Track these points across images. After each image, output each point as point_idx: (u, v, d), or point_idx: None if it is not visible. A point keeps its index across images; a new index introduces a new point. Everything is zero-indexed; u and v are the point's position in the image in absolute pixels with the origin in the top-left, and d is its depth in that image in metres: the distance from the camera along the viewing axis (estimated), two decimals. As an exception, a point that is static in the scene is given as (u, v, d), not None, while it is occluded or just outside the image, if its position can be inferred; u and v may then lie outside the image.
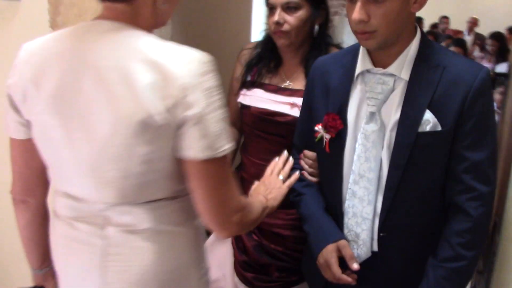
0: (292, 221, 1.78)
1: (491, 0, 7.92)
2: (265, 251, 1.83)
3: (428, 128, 1.26)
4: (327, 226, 1.43)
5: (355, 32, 1.26)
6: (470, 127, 1.25)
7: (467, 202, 1.27)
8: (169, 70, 0.95)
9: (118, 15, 1.02)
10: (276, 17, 1.65)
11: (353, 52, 1.40)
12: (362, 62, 1.36)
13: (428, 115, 1.26)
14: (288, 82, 1.77)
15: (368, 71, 1.35)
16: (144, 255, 1.09)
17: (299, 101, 1.66)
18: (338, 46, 1.78)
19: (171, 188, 1.09)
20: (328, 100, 1.41)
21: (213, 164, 1.01)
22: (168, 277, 1.12)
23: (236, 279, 1.87)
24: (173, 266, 1.13)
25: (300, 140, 1.58)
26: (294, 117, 1.68)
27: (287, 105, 1.72)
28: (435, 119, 1.26)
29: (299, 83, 1.74)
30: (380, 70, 1.32)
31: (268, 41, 1.79)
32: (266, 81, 1.80)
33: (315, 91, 1.47)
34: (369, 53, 1.35)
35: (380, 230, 1.35)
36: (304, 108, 1.56)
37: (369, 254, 1.38)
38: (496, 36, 6.25)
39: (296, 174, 1.51)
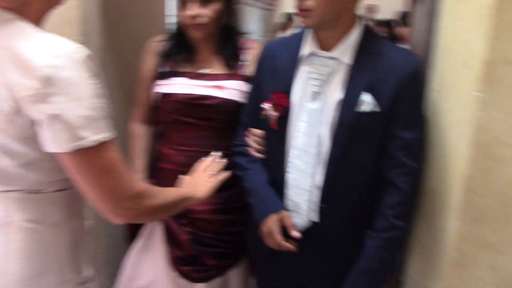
0: (222, 205, 1.85)
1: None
2: (199, 241, 1.85)
3: (367, 108, 1.38)
4: (270, 198, 1.54)
5: (296, 8, 1.37)
6: (404, 109, 1.38)
7: (398, 177, 1.40)
8: (31, 61, 0.95)
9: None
10: (192, 11, 1.71)
11: (300, 36, 1.51)
12: (309, 45, 1.47)
13: (368, 97, 1.38)
14: (205, 69, 1.84)
15: (313, 54, 1.45)
16: None
17: (224, 83, 1.78)
18: (247, 34, 1.92)
19: (30, 179, 1.06)
20: (275, 81, 1.51)
21: (85, 155, 1.00)
22: (31, 278, 1.10)
23: (173, 274, 1.87)
24: (37, 268, 1.10)
25: (248, 119, 1.67)
26: (223, 99, 1.77)
27: (213, 88, 1.79)
28: (374, 101, 1.38)
29: (218, 69, 1.83)
30: (325, 53, 1.43)
31: (181, 33, 1.83)
32: (183, 70, 1.84)
33: (264, 72, 1.57)
34: (316, 37, 1.45)
35: (322, 201, 1.47)
36: (253, 89, 1.65)
37: (308, 223, 1.49)
38: (383, 23, 6.35)
39: (226, 173, 1.53)
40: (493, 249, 1.37)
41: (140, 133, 1.93)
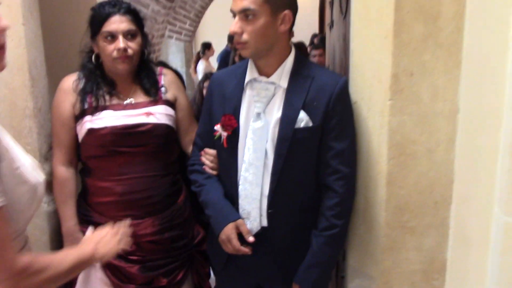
0: (165, 224, 1.95)
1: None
2: (149, 267, 1.92)
3: (302, 124, 1.59)
4: (226, 209, 1.70)
5: (235, 42, 1.59)
6: (334, 123, 1.59)
7: (335, 182, 1.61)
8: None
9: None
10: (121, 44, 1.79)
11: (244, 65, 1.70)
12: (250, 72, 1.66)
13: (302, 115, 1.58)
14: (129, 99, 1.91)
15: (255, 79, 1.65)
16: None
17: (151, 109, 1.90)
18: (164, 64, 2.08)
19: None
20: (224, 105, 1.69)
21: None
22: None
23: None
24: None
25: (201, 140, 1.83)
26: (154, 124, 1.89)
27: (143, 116, 1.88)
28: (308, 117, 1.59)
29: (140, 98, 1.93)
30: (264, 79, 1.64)
31: (96, 68, 1.89)
32: (109, 103, 1.88)
33: (213, 98, 1.75)
34: (255, 65, 1.65)
35: (269, 207, 1.65)
36: (204, 113, 1.81)
37: (259, 228, 1.68)
38: (298, 46, 6.94)
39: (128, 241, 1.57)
40: (416, 233, 1.61)
41: (66, 176, 1.91)
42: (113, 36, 1.80)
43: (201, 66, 8.33)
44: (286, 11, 1.56)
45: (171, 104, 1.98)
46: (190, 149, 1.96)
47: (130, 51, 1.81)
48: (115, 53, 1.80)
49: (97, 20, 1.82)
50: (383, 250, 1.63)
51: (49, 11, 1.96)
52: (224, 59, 6.91)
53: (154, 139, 1.89)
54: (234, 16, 1.56)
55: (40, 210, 1.87)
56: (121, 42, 1.79)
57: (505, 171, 1.44)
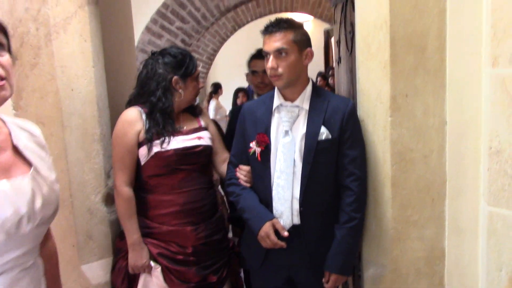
0: (212, 229, 2.28)
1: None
2: (203, 267, 2.24)
3: (324, 137, 1.97)
4: (262, 211, 2.03)
5: (270, 76, 1.98)
6: (348, 135, 1.97)
7: (351, 183, 1.98)
8: None
9: None
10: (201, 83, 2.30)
11: (270, 95, 2.11)
12: (277, 99, 2.05)
13: (323, 129, 1.97)
14: (180, 126, 2.26)
15: (281, 105, 2.03)
16: None
17: (199, 134, 2.28)
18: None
19: None
20: (256, 126, 2.06)
21: None
22: None
23: None
24: None
25: (236, 158, 2.19)
26: (204, 145, 2.26)
27: (196, 139, 2.25)
28: (327, 131, 1.97)
29: (189, 125, 2.30)
30: (289, 103, 2.02)
31: (161, 103, 2.19)
32: (170, 131, 2.18)
33: (246, 122, 2.12)
34: (281, 92, 2.04)
35: (300, 206, 1.99)
36: (238, 136, 2.19)
37: (290, 225, 2.01)
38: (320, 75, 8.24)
39: None
40: (418, 225, 1.95)
41: (131, 195, 2.18)
42: (197, 77, 2.31)
43: (212, 105, 8.80)
44: (308, 49, 2.00)
45: (206, 129, 2.36)
46: (222, 167, 2.33)
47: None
48: (197, 89, 2.30)
49: (194, 64, 2.27)
50: (392, 241, 1.97)
51: (110, 56, 2.38)
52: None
53: (203, 158, 2.27)
54: (266, 56, 1.97)
55: (104, 218, 2.23)
56: (199, 82, 2.32)
57: (486, 170, 1.79)
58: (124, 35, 2.89)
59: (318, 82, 9.12)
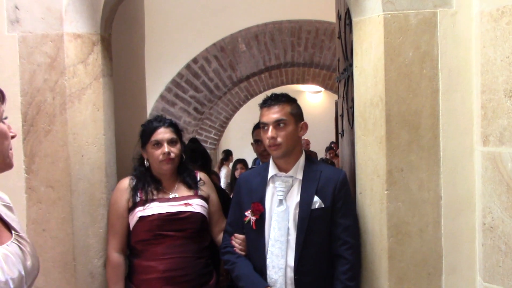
0: None
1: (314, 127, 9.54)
2: None
3: (317, 206, 2.04)
4: (256, 279, 2.07)
5: (268, 146, 2.08)
6: (340, 204, 2.05)
7: (345, 251, 2.02)
8: None
9: None
10: (166, 149, 2.23)
11: (265, 166, 2.22)
12: (272, 170, 2.15)
13: (316, 198, 2.04)
14: (172, 194, 2.30)
15: (276, 175, 2.13)
16: None
17: (189, 201, 2.28)
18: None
19: None
20: (251, 195, 2.14)
21: None
22: None
23: None
24: None
25: (231, 227, 2.25)
26: (192, 212, 2.27)
27: (182, 205, 2.26)
28: (320, 201, 2.04)
29: (182, 192, 2.32)
30: (283, 174, 2.12)
31: (146, 170, 2.30)
32: (156, 197, 2.27)
33: (242, 192, 2.21)
34: (276, 163, 2.13)
35: (295, 274, 2.02)
36: (234, 205, 2.26)
37: None
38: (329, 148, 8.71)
39: None
40: (415, 300, 1.95)
41: (119, 261, 2.25)
42: (159, 144, 2.24)
43: (223, 172, 8.91)
44: (303, 122, 2.15)
45: (205, 199, 2.36)
46: (219, 237, 2.35)
47: (172, 155, 2.24)
48: (161, 157, 2.23)
49: (147, 132, 2.27)
50: (389, 315, 1.96)
51: (120, 123, 2.50)
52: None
53: (191, 225, 2.25)
54: (264, 127, 2.07)
55: (105, 282, 2.26)
56: (166, 148, 2.23)
57: (482, 246, 1.82)
58: (137, 104, 3.04)
59: (328, 155, 9.36)
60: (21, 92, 2.10)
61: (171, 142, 2.27)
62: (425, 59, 1.92)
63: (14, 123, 2.06)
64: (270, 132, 2.04)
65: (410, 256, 1.94)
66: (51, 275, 2.13)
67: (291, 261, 2.03)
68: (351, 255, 2.02)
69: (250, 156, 7.91)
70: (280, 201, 2.08)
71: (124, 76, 2.78)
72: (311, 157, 2.23)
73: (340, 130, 3.11)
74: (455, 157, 1.90)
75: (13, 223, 1.36)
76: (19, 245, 1.31)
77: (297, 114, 2.11)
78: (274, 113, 2.05)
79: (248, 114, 10.11)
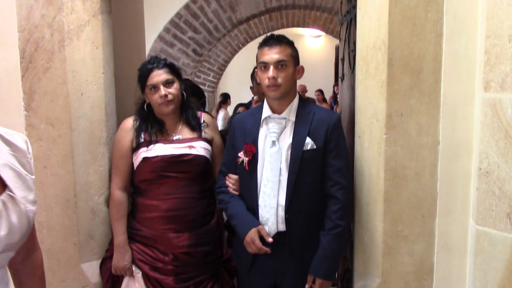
0: (199, 239, 2.30)
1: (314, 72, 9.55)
2: (183, 278, 2.27)
3: (309, 147, 2.05)
4: (248, 218, 2.11)
5: (268, 86, 2.04)
6: (332, 146, 2.06)
7: (336, 191, 2.05)
8: None
9: None
10: (162, 92, 2.20)
11: (259, 107, 2.20)
12: (265, 111, 2.14)
13: (308, 140, 2.06)
14: (176, 136, 2.31)
15: (269, 116, 2.13)
16: None
17: (193, 144, 2.30)
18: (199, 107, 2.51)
19: None
20: (245, 137, 2.15)
21: None
22: None
23: None
24: None
25: (225, 167, 2.27)
26: (195, 155, 2.29)
27: (186, 148, 2.28)
28: (312, 142, 2.05)
29: (186, 134, 2.33)
30: (277, 115, 2.12)
31: (148, 113, 2.30)
32: (160, 138, 2.29)
33: (236, 133, 2.21)
34: (269, 105, 2.13)
35: (286, 213, 2.06)
36: (228, 146, 2.27)
37: (275, 232, 2.07)
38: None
39: None
40: (408, 240, 2.00)
41: (122, 199, 2.29)
42: (155, 87, 2.22)
43: (221, 115, 8.90)
44: (301, 65, 2.15)
45: (209, 141, 2.38)
46: None
47: (170, 96, 2.22)
48: (159, 100, 2.22)
49: (143, 76, 2.24)
50: (382, 255, 2.02)
51: (119, 62, 2.48)
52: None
53: (193, 167, 2.29)
54: (265, 67, 2.05)
55: (106, 219, 2.32)
56: (162, 91, 2.20)
57: (476, 190, 1.85)
58: (135, 43, 2.99)
59: (316, 96, 9.30)
60: (18, 28, 2.06)
61: (167, 83, 2.24)
62: (430, 2, 1.88)
63: (12, 59, 2.04)
64: (272, 72, 2.02)
65: (405, 199, 1.98)
66: (53, 210, 2.17)
67: (283, 201, 2.06)
68: (343, 196, 2.04)
69: (247, 100, 7.89)
70: (273, 142, 2.10)
71: (123, 14, 2.72)
72: (303, 98, 2.24)
73: (340, 74, 3.09)
74: (456, 102, 1.90)
75: (13, 181, 1.27)
76: (1, 207, 1.23)
77: (296, 57, 2.11)
78: (275, 53, 2.03)
79: (247, 57, 10.00)
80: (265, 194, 2.08)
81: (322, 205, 2.09)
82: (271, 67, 2.02)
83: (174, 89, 2.25)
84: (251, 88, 3.19)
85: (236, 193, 2.20)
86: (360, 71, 2.08)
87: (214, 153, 2.41)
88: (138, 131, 2.28)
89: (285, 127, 2.10)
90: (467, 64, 1.88)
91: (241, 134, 2.18)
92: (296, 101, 2.13)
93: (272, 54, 2.04)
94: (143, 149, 2.26)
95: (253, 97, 7.02)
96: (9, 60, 2.05)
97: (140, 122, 2.30)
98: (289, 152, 2.06)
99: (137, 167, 2.28)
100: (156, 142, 2.27)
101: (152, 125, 2.29)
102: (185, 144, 2.30)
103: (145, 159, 2.25)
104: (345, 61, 2.77)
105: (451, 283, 1.96)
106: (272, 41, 2.06)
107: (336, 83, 9.84)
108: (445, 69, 1.90)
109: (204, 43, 6.46)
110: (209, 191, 2.39)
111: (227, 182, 2.23)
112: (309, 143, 2.05)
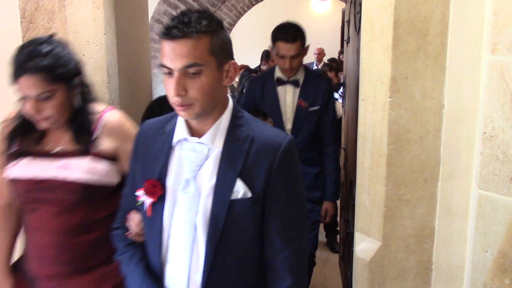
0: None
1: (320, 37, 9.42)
2: None
3: (239, 196, 1.35)
4: (146, 284, 1.44)
5: (173, 104, 1.32)
6: (278, 191, 1.38)
7: (282, 263, 1.40)
8: None
9: None
10: (32, 109, 1.58)
11: (174, 120, 1.45)
12: (179, 131, 1.41)
13: (239, 184, 1.35)
14: (58, 147, 1.72)
15: (185, 139, 1.40)
16: None
17: (70, 162, 1.68)
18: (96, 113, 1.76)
19: None
20: (148, 168, 1.44)
21: None
22: None
23: None
24: None
25: (126, 203, 1.59)
26: (64, 182, 1.67)
27: (57, 169, 1.68)
28: (246, 187, 1.36)
29: (70, 146, 1.71)
30: (195, 139, 1.38)
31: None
32: (34, 149, 1.72)
33: (138, 155, 1.51)
34: (186, 121, 1.40)
35: (204, 285, 1.38)
36: (130, 173, 1.57)
37: None
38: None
39: None
40: (410, 204, 2.01)
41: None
42: (24, 98, 1.60)
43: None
44: (232, 61, 1.38)
45: (105, 156, 1.73)
46: None
47: (44, 114, 1.61)
48: (31, 114, 1.62)
49: (12, 77, 1.58)
50: (384, 218, 2.03)
51: (121, 24, 2.44)
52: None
53: (67, 196, 1.69)
54: (169, 73, 1.29)
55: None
56: (31, 106, 1.58)
57: (479, 155, 1.84)
58: (138, 4, 2.94)
59: (316, 56, 9.12)
60: (18, -14, 2.03)
61: (40, 99, 1.59)
62: (438, -38, 1.83)
63: (12, 19, 2.02)
64: (175, 84, 1.27)
65: (408, 163, 1.97)
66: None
67: (197, 275, 1.39)
68: (291, 270, 1.40)
69: (253, 66, 7.82)
70: (187, 182, 1.39)
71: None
72: (242, 112, 1.46)
73: (345, 37, 3.05)
74: (461, 65, 1.87)
75: None
76: None
77: (220, 50, 1.32)
78: (181, 55, 1.27)
79: (253, 21, 9.88)
80: (175, 252, 1.42)
81: (261, 279, 1.46)
82: (176, 75, 1.28)
83: (50, 107, 1.61)
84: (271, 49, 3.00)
85: (140, 239, 1.54)
86: (365, 33, 2.04)
87: (124, 168, 1.75)
88: (12, 135, 1.73)
89: (207, 158, 1.39)
90: (474, 26, 1.84)
91: (143, 160, 1.49)
92: (226, 117, 1.40)
93: (176, 57, 1.27)
94: (11, 163, 1.73)
95: (260, 64, 6.92)
96: (9, 20, 2.03)
97: (19, 123, 1.73)
98: (210, 199, 1.37)
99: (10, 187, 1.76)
100: (27, 154, 1.72)
101: (30, 130, 1.71)
102: (57, 163, 1.69)
103: (11, 179, 1.73)
104: (351, 23, 2.73)
105: (451, 247, 1.98)
106: (177, 31, 1.26)
107: (341, 50, 9.74)
108: (452, 31, 1.86)
109: (208, 5, 6.36)
110: (103, 221, 1.75)
111: (129, 223, 1.57)
112: (240, 188, 1.36)
